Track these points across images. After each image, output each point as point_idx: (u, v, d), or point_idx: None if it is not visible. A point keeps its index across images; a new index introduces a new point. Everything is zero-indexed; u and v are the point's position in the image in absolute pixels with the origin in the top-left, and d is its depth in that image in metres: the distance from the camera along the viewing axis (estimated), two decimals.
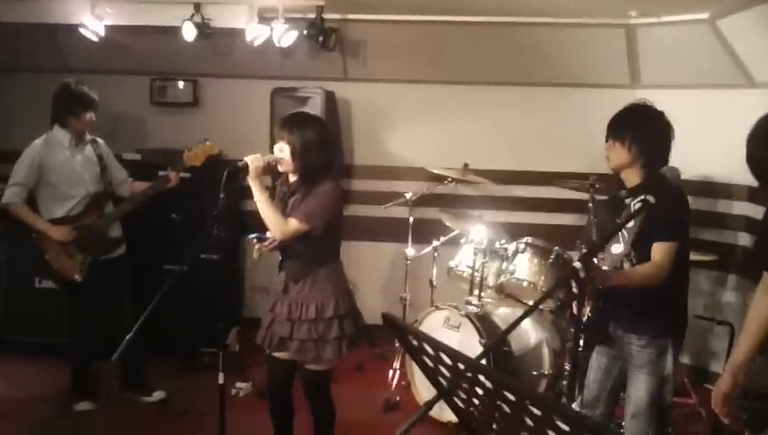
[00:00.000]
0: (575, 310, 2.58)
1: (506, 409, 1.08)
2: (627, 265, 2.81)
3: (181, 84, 5.55)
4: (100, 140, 4.24)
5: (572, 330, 3.08)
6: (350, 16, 4.95)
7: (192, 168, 4.09)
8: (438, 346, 1.21)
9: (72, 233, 4.01)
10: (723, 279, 4.85)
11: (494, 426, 1.19)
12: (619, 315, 2.81)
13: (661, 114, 2.91)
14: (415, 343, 1.28)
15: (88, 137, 4.17)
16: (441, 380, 1.28)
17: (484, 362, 3.78)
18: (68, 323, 4.24)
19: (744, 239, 4.74)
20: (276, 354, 3.20)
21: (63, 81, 4.08)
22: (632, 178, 2.88)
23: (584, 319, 2.74)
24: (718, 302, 4.88)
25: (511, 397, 1.04)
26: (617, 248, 2.72)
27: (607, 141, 2.93)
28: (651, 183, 2.82)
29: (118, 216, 4.19)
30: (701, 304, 4.91)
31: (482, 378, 1.12)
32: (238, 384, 4.48)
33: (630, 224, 2.66)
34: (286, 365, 3.21)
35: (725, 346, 4.10)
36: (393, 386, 4.50)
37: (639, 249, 2.73)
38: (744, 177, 4.55)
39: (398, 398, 4.36)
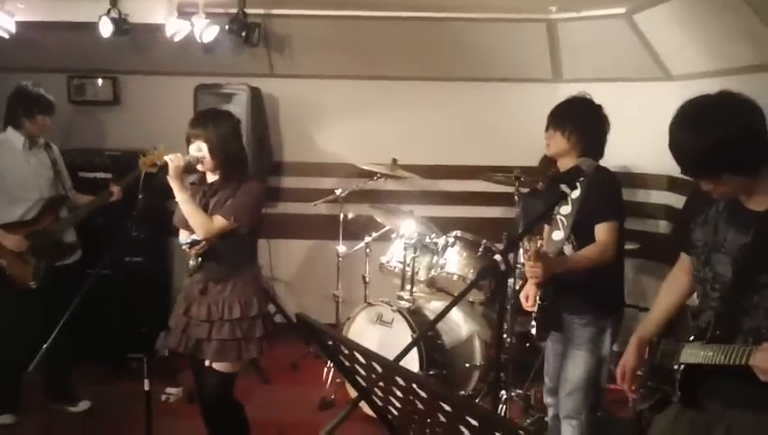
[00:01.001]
0: (505, 301, 2.62)
1: (420, 406, 1.07)
2: (568, 250, 2.89)
3: (100, 82, 5.38)
4: (53, 145, 4.17)
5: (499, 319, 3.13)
6: (274, 11, 4.88)
7: (148, 174, 3.98)
8: (352, 346, 1.20)
9: (25, 242, 3.89)
10: (645, 267, 5.00)
11: (413, 423, 1.19)
12: (563, 298, 2.89)
13: (600, 108, 3.05)
14: (330, 343, 1.26)
15: (41, 141, 4.08)
16: (359, 379, 1.27)
17: (416, 355, 3.82)
18: (10, 331, 3.98)
19: (664, 228, 4.90)
20: (196, 357, 3.13)
21: (20, 83, 4.01)
22: (568, 166, 2.95)
23: (536, 307, 2.80)
24: (641, 289, 5.03)
25: (423, 394, 1.04)
26: (557, 235, 2.80)
27: (547, 130, 3.04)
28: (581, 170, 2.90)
29: (74, 221, 4.12)
30: (625, 292, 5.05)
31: (396, 377, 1.11)
32: (168, 390, 4.36)
33: (567, 211, 2.72)
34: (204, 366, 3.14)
35: None
36: (328, 384, 4.47)
37: (580, 233, 2.82)
38: (663, 167, 4.75)
39: (333, 396, 4.33)
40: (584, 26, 4.73)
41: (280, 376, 4.68)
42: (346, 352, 1.23)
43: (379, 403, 1.29)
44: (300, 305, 5.54)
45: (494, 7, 4.63)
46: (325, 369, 4.60)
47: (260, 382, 4.56)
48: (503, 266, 2.03)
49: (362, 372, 1.25)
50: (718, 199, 2.11)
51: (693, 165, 1.99)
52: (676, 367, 2.10)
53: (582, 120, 2.98)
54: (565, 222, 2.80)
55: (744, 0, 3.35)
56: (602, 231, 2.86)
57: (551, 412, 3.24)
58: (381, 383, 1.21)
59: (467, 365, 4.15)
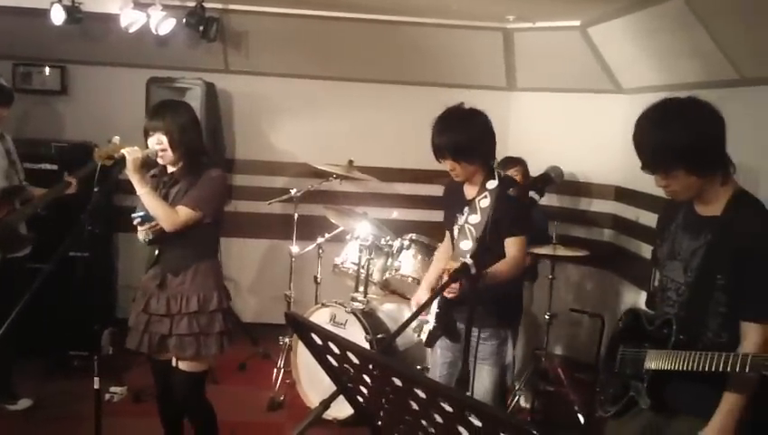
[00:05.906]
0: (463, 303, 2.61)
1: (416, 406, 1.08)
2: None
3: (48, 71, 5.20)
4: (7, 136, 4.04)
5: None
6: (232, 6, 4.81)
7: (103, 167, 3.86)
8: (345, 345, 1.19)
9: None
10: (590, 274, 5.14)
11: (401, 424, 1.19)
12: (461, 309, 2.81)
13: (484, 114, 2.99)
14: (319, 341, 1.25)
15: None
16: (344, 378, 1.26)
17: None
18: None
19: (610, 236, 5.04)
20: (158, 357, 3.06)
21: None
22: (477, 179, 2.94)
23: (434, 315, 2.79)
24: (587, 295, 5.16)
25: (422, 395, 1.04)
26: (466, 245, 2.75)
27: (442, 159, 2.94)
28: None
29: (30, 212, 4.01)
30: (572, 298, 5.17)
31: (392, 377, 1.11)
32: (112, 389, 4.25)
33: (476, 220, 2.72)
34: (170, 366, 3.07)
35: (596, 337, 4.33)
36: (277, 385, 4.43)
37: (485, 245, 2.72)
38: (611, 177, 4.87)
39: (282, 397, 4.30)
40: (540, 37, 4.83)
41: (228, 376, 4.60)
42: (336, 350, 1.22)
43: (365, 405, 1.28)
44: (251, 305, 5.48)
45: (453, 14, 4.68)
46: (274, 370, 4.55)
47: (208, 382, 4.47)
48: (473, 270, 2.06)
49: (352, 372, 1.24)
50: (670, 197, 2.18)
51: (653, 157, 2.06)
52: (642, 373, 2.12)
53: (480, 141, 2.89)
54: (474, 232, 2.77)
55: (697, 18, 3.47)
56: (513, 246, 2.84)
57: None
58: (373, 384, 1.21)
59: (419, 368, 4.17)
